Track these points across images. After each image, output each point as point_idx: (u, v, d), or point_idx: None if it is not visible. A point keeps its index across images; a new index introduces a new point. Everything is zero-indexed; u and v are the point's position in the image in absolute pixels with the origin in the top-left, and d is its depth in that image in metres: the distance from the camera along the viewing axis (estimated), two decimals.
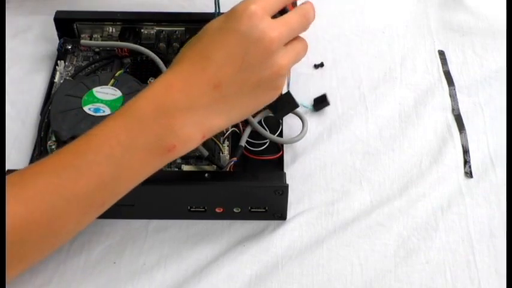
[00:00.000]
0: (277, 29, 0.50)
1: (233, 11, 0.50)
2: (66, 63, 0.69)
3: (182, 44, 0.67)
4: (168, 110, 0.48)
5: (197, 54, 0.50)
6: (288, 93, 0.57)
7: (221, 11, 0.65)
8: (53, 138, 0.60)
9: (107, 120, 0.49)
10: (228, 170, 0.58)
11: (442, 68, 0.72)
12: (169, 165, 0.59)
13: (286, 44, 0.51)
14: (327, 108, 0.68)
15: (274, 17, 0.51)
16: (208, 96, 0.49)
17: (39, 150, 0.61)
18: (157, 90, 0.49)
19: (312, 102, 0.67)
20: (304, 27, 0.53)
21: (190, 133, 0.49)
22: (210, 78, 0.49)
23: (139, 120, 0.48)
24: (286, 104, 0.57)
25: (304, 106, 0.66)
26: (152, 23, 0.70)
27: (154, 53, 0.66)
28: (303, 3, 0.54)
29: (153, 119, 0.48)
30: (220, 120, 0.51)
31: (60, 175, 0.47)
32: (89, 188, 0.47)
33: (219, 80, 0.49)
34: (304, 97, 0.67)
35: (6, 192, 0.45)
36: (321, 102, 0.67)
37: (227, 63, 0.49)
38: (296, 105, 0.58)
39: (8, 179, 0.47)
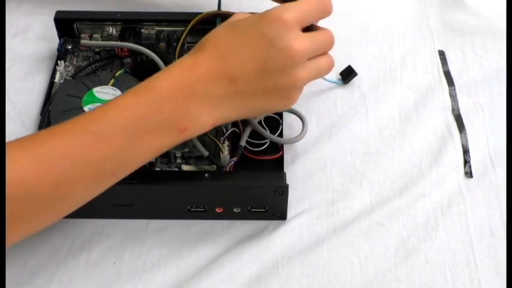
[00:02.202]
0: (303, 43, 0.51)
1: (267, 14, 0.51)
2: (66, 63, 0.69)
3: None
4: (187, 93, 0.50)
5: (222, 46, 0.51)
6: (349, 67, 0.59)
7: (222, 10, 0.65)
8: None
9: (124, 95, 0.50)
10: (228, 170, 0.58)
11: (442, 68, 0.72)
12: (169, 165, 0.59)
13: (310, 59, 0.53)
14: (327, 108, 0.68)
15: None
16: (224, 88, 0.51)
17: None
18: (178, 72, 0.51)
19: (339, 77, 0.68)
20: (328, 48, 0.55)
21: (203, 119, 0.51)
22: (229, 72, 0.51)
23: (158, 98, 0.49)
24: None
25: (333, 81, 0.67)
26: (152, 23, 0.70)
27: (154, 53, 0.66)
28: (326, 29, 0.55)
29: (172, 99, 0.49)
30: (229, 114, 0.53)
31: (74, 139, 0.47)
32: (101, 155, 0.48)
33: (237, 76, 0.51)
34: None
35: (15, 148, 0.45)
36: (348, 75, 0.68)
37: (248, 62, 0.51)
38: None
39: (20, 138, 0.47)
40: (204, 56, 0.51)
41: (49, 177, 0.46)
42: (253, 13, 0.54)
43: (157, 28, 0.70)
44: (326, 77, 0.62)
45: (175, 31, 0.70)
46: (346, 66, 0.69)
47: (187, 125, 0.50)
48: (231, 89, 0.51)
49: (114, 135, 0.48)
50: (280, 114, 0.64)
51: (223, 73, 0.50)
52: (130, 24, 0.70)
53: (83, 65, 0.69)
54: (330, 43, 0.54)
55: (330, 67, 0.55)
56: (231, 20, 0.54)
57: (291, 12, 0.51)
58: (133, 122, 0.49)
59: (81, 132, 0.48)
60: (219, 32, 0.53)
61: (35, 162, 0.45)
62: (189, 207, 0.58)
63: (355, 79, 0.70)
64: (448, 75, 0.71)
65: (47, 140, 0.47)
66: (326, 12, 0.54)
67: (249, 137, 0.61)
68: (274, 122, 0.63)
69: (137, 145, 0.49)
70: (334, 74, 0.69)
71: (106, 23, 0.70)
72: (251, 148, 0.61)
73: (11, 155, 0.45)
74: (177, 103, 0.50)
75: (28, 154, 0.46)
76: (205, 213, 0.59)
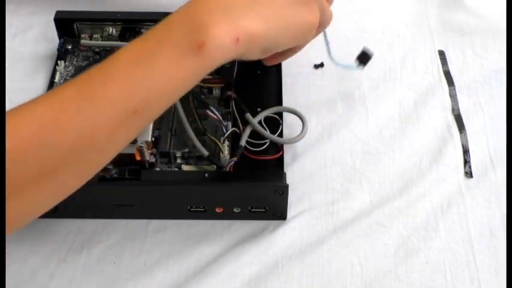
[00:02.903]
0: None
1: None
2: (66, 63, 0.69)
3: None
4: (199, 5, 0.46)
5: None
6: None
7: None
8: None
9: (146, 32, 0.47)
10: (228, 170, 0.58)
11: (442, 68, 0.72)
12: (169, 165, 0.59)
13: None
14: (327, 108, 0.68)
15: None
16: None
17: None
18: None
19: (357, 62, 0.67)
20: None
21: (222, 31, 0.45)
22: None
23: (169, 22, 0.46)
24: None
25: (352, 67, 0.66)
26: (152, 23, 0.70)
27: None
28: None
29: (182, 15, 0.46)
30: (256, 23, 0.47)
31: (90, 81, 0.44)
32: (120, 92, 0.44)
33: None
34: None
35: (32, 101, 0.43)
36: (364, 57, 0.67)
37: None
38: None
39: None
40: None
41: (70, 123, 0.42)
42: None
43: None
44: (344, 63, 0.61)
45: None
46: (361, 51, 0.67)
47: (203, 40, 0.45)
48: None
49: (128, 71, 0.44)
50: (280, 114, 0.64)
51: None
52: (130, 24, 0.70)
53: (83, 65, 0.69)
54: None
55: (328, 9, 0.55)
56: None
57: None
58: (145, 53, 0.45)
59: (94, 76, 0.44)
60: None
61: (55, 110, 0.42)
62: (189, 207, 0.58)
63: (355, 77, 0.70)
64: (448, 75, 0.71)
65: (65, 87, 0.44)
66: None
67: (249, 137, 0.61)
68: (274, 122, 0.63)
69: (155, 76, 0.45)
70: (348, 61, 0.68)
71: (106, 23, 0.71)
72: (251, 148, 0.61)
73: (32, 107, 0.42)
74: (189, 18, 0.46)
75: (46, 103, 0.43)
76: (205, 213, 0.59)
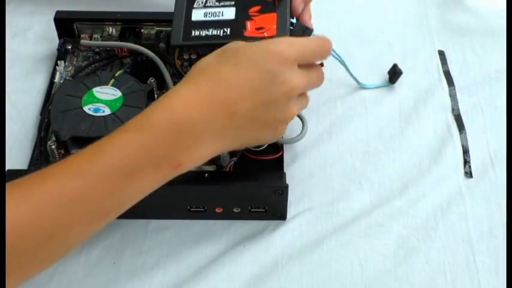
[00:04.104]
0: (300, 80, 0.52)
1: (271, 47, 0.51)
2: (66, 63, 0.69)
3: None
4: (184, 126, 0.48)
5: (221, 75, 0.50)
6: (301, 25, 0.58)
7: None
8: (53, 138, 0.60)
9: (119, 131, 0.49)
10: (228, 170, 0.58)
11: (442, 68, 0.72)
12: None
13: (300, 95, 0.53)
14: (327, 108, 0.68)
15: None
16: (222, 121, 0.49)
17: (39, 150, 0.61)
18: (174, 104, 0.49)
19: (387, 77, 0.69)
20: (317, 86, 0.56)
21: (201, 153, 0.50)
22: (228, 106, 0.49)
23: (154, 134, 0.48)
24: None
25: (381, 86, 0.69)
26: (152, 23, 0.70)
27: (154, 53, 0.66)
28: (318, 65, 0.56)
29: (168, 135, 0.48)
30: (226, 146, 0.52)
31: (67, 183, 0.46)
32: (95, 197, 0.47)
33: (235, 110, 0.50)
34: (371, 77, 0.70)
35: (8, 195, 0.45)
36: (394, 74, 0.69)
37: (248, 97, 0.50)
38: (311, 31, 0.58)
39: (13, 182, 0.46)
40: (200, 88, 0.50)
41: (43, 225, 0.45)
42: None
43: (157, 28, 0.70)
44: (372, 82, 0.65)
45: None
46: (392, 66, 0.69)
47: (183, 160, 0.49)
48: (229, 123, 0.50)
49: (108, 177, 0.47)
50: None
51: (222, 107, 0.49)
52: (130, 24, 0.70)
53: (83, 65, 0.69)
54: (321, 81, 0.56)
55: (306, 105, 0.56)
56: (227, 47, 0.52)
57: (294, 50, 0.51)
58: (128, 162, 0.47)
59: (74, 175, 0.46)
60: (215, 59, 0.51)
61: (28, 211, 0.45)
62: (189, 207, 0.58)
63: (351, 86, 0.70)
64: (448, 75, 0.71)
65: (40, 185, 0.46)
66: (326, 53, 0.54)
67: None
68: None
69: (132, 184, 0.48)
70: (382, 75, 0.70)
71: (106, 23, 0.71)
72: (251, 148, 0.61)
73: (6, 203, 0.44)
74: (174, 139, 0.48)
75: (21, 202, 0.45)
76: (205, 213, 0.59)
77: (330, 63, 0.70)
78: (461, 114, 0.67)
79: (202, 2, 0.61)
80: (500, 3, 0.76)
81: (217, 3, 0.61)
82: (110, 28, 0.71)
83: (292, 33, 0.58)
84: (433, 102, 0.69)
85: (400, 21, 0.77)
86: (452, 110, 0.68)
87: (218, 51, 0.52)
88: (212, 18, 0.60)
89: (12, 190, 0.45)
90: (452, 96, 0.69)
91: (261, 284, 0.55)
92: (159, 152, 0.48)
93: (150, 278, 0.56)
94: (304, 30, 0.58)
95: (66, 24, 0.70)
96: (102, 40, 0.70)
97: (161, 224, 0.59)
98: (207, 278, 0.55)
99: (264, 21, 0.58)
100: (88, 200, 0.47)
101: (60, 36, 0.71)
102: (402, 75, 0.70)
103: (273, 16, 0.58)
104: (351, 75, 0.68)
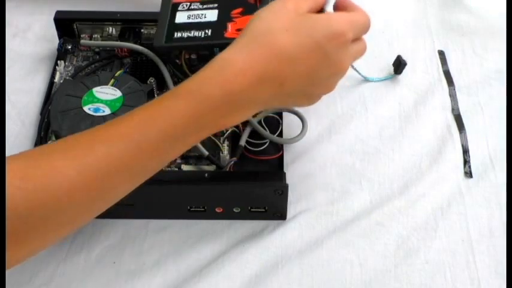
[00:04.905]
0: (349, 61, 0.52)
1: (330, 26, 0.50)
2: (66, 63, 0.69)
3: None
4: (235, 96, 0.48)
5: (276, 45, 0.49)
6: None
7: None
8: (53, 138, 0.60)
9: (168, 97, 0.49)
10: (228, 170, 0.58)
11: (442, 67, 0.72)
12: (169, 165, 0.59)
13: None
14: (327, 108, 0.68)
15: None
16: (271, 91, 0.50)
17: None
18: (227, 73, 0.49)
19: (392, 69, 0.70)
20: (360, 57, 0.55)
21: (245, 115, 0.51)
22: (280, 78, 0.49)
23: (206, 103, 0.48)
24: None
25: (386, 79, 0.69)
26: (152, 23, 0.70)
27: (154, 53, 0.66)
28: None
29: (219, 103, 0.48)
30: (267, 108, 0.57)
31: (119, 148, 0.46)
32: (143, 161, 0.48)
33: (286, 80, 0.50)
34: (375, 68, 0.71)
35: (55, 152, 0.45)
36: (399, 65, 0.69)
37: (300, 68, 0.50)
38: None
39: (59, 142, 0.48)
40: (256, 53, 0.49)
41: (94, 187, 0.46)
42: None
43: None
44: (380, 77, 0.65)
45: None
46: (395, 58, 0.70)
47: (228, 123, 0.51)
48: (277, 91, 0.50)
49: (158, 143, 0.47)
50: (280, 114, 0.64)
51: (274, 76, 0.49)
52: (130, 24, 0.70)
53: (83, 65, 0.69)
54: (363, 53, 0.55)
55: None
56: (287, 7, 0.51)
57: (352, 31, 0.51)
58: (179, 128, 0.48)
59: (126, 142, 0.47)
60: (275, 23, 0.50)
61: (82, 174, 0.45)
62: (189, 207, 0.59)
63: (355, 77, 0.70)
64: (447, 75, 0.71)
65: (89, 150, 0.46)
66: (368, 29, 0.55)
67: (249, 137, 0.61)
68: (274, 122, 0.63)
69: (178, 146, 0.49)
70: (387, 66, 0.71)
71: (106, 23, 0.71)
72: (251, 148, 0.61)
73: (55, 164, 0.44)
74: (224, 107, 0.49)
75: (74, 164, 0.45)
76: (205, 213, 0.59)
77: None
78: (461, 114, 0.68)
79: (186, 5, 0.62)
80: (500, 3, 0.76)
81: (200, 6, 0.62)
82: (110, 28, 0.71)
83: None
84: (433, 102, 0.69)
85: (400, 21, 0.77)
86: (452, 109, 0.68)
87: (277, 8, 0.51)
88: (195, 20, 0.60)
89: (61, 151, 0.46)
90: (452, 96, 0.69)
91: (261, 284, 0.55)
92: (208, 118, 0.49)
93: (150, 278, 0.56)
94: None
95: (66, 24, 0.70)
96: (102, 40, 0.70)
97: (161, 224, 0.59)
98: (207, 278, 0.55)
99: (245, 22, 0.58)
100: (136, 164, 0.47)
101: (60, 36, 0.71)
102: (402, 75, 0.71)
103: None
104: (354, 69, 0.68)
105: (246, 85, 0.48)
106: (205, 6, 0.61)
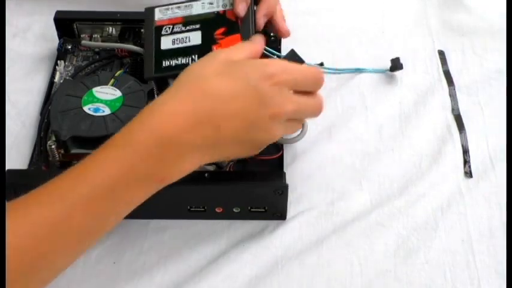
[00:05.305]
0: (290, 105, 0.51)
1: (266, 69, 0.50)
2: (66, 63, 0.69)
3: None
4: (169, 142, 0.48)
5: (209, 88, 0.49)
6: (292, 51, 0.58)
7: None
8: (53, 138, 0.60)
9: (102, 150, 0.48)
10: (228, 170, 0.58)
11: (442, 67, 0.72)
12: None
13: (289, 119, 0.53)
14: (327, 108, 0.67)
15: None
16: (207, 135, 0.49)
17: (39, 150, 0.62)
18: (158, 119, 0.48)
19: (389, 64, 0.70)
20: (310, 116, 0.55)
21: (186, 166, 0.49)
22: (215, 119, 0.49)
23: (138, 151, 0.47)
24: (292, 61, 0.58)
25: (381, 71, 0.70)
26: None
27: None
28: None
29: (153, 150, 0.47)
30: (209, 158, 0.51)
31: (51, 211, 0.45)
32: (81, 221, 0.46)
33: (221, 124, 0.49)
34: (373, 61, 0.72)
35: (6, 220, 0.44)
36: (396, 66, 0.70)
37: (235, 114, 0.49)
38: (302, 61, 0.58)
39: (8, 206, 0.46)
40: (189, 97, 0.49)
41: (30, 253, 0.44)
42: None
43: None
44: (372, 82, 0.66)
45: None
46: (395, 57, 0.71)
47: (166, 176, 0.49)
48: (215, 135, 0.49)
49: (92, 199, 0.46)
50: None
51: (208, 117, 0.48)
52: (130, 24, 0.70)
53: (82, 65, 0.69)
54: (317, 110, 0.55)
55: (296, 130, 0.56)
56: (219, 56, 0.52)
57: (288, 75, 0.51)
58: (112, 182, 0.46)
59: (58, 200, 0.45)
60: (205, 68, 0.51)
61: (15, 240, 0.43)
62: (189, 207, 0.58)
63: (355, 77, 0.70)
64: (447, 75, 0.71)
65: (24, 215, 0.45)
66: (318, 85, 0.54)
67: None
68: None
69: (117, 202, 0.48)
70: (387, 66, 0.71)
71: (106, 23, 0.71)
72: None
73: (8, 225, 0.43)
74: (159, 155, 0.47)
75: (13, 229, 0.44)
76: (205, 213, 0.59)
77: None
78: (461, 114, 0.67)
79: (169, 28, 0.63)
80: (500, 3, 0.76)
81: (183, 28, 0.62)
82: (110, 28, 0.71)
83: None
84: (433, 102, 0.69)
85: (400, 21, 0.77)
86: (452, 109, 0.68)
87: (208, 58, 0.52)
88: (180, 45, 0.62)
89: (8, 207, 0.45)
90: (452, 96, 0.69)
91: (261, 284, 0.55)
92: (143, 169, 0.47)
93: (150, 278, 0.56)
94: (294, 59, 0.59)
95: (66, 24, 0.70)
96: (102, 40, 0.71)
97: (161, 224, 0.59)
98: (207, 278, 0.55)
99: (229, 43, 0.60)
100: (73, 224, 0.46)
101: (60, 36, 0.71)
102: (402, 76, 0.71)
103: (237, 37, 0.60)
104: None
105: (178, 128, 0.47)
106: (187, 28, 0.62)
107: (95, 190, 0.46)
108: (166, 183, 0.50)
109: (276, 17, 0.63)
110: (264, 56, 0.59)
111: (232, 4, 0.62)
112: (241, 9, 0.60)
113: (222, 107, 0.49)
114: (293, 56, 0.58)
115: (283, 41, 0.69)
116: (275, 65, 0.51)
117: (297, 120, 0.55)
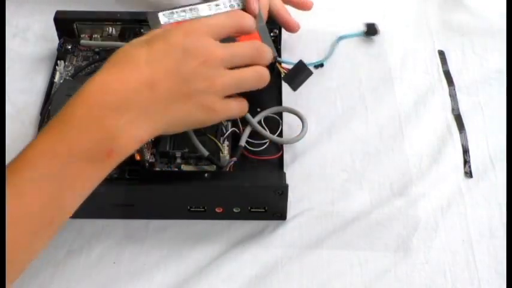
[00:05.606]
0: (217, 50, 0.52)
1: (180, 26, 0.52)
2: (66, 63, 0.69)
3: None
4: (101, 110, 0.47)
5: (136, 56, 0.50)
6: (301, 62, 0.58)
7: None
8: None
9: (42, 131, 0.47)
10: (228, 170, 0.58)
11: (442, 67, 0.72)
12: (169, 165, 0.59)
13: (231, 68, 0.53)
14: (327, 108, 0.68)
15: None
16: (142, 95, 0.49)
17: None
18: (91, 91, 0.48)
19: (365, 28, 0.72)
20: (248, 60, 0.54)
21: (126, 135, 0.48)
22: (146, 77, 0.49)
23: (74, 127, 0.47)
24: (300, 72, 0.58)
25: (356, 35, 0.71)
26: None
27: None
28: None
29: (87, 122, 0.47)
30: (158, 124, 0.50)
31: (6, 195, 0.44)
32: (32, 207, 0.45)
33: (154, 80, 0.49)
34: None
35: None
36: (372, 30, 0.72)
37: (164, 70, 0.50)
38: (310, 72, 0.58)
39: None
40: (117, 69, 0.49)
41: None
42: None
43: None
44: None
45: None
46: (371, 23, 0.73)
47: (111, 147, 0.47)
48: (150, 95, 0.49)
49: (38, 183, 0.45)
50: (280, 114, 0.64)
51: (140, 80, 0.49)
52: (130, 24, 0.70)
53: (82, 65, 0.69)
54: (251, 55, 0.54)
55: (255, 79, 0.55)
56: (143, 36, 0.53)
57: (200, 24, 0.53)
58: (55, 164, 0.46)
59: (9, 187, 0.44)
60: (130, 44, 0.52)
61: None
62: (189, 207, 0.58)
63: (355, 77, 0.70)
64: (447, 75, 0.71)
65: None
66: (240, 25, 0.54)
67: (248, 137, 0.61)
68: (274, 122, 0.63)
69: (67, 187, 0.47)
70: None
71: (106, 23, 0.70)
72: (251, 148, 0.61)
73: None
74: (94, 125, 0.47)
75: None
76: (205, 213, 0.59)
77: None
78: (461, 114, 0.68)
79: None
80: (500, 3, 0.76)
81: None
82: (110, 28, 0.70)
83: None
84: (433, 102, 0.69)
85: (400, 21, 0.77)
86: (452, 110, 0.68)
87: (135, 39, 0.53)
88: None
89: None
90: (452, 96, 0.69)
91: (261, 284, 0.55)
92: (83, 145, 0.47)
93: (150, 278, 0.56)
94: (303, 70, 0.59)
95: (66, 24, 0.70)
96: (102, 40, 0.70)
97: (161, 224, 0.59)
98: (207, 278, 0.55)
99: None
100: (26, 210, 0.45)
101: (60, 36, 0.71)
102: (402, 75, 0.71)
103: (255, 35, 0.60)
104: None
105: (109, 92, 0.48)
106: None
107: (36, 173, 0.45)
108: (119, 155, 0.49)
109: (281, 12, 0.62)
110: (274, 65, 0.60)
111: (239, 5, 0.62)
112: (256, 8, 0.61)
113: (150, 68, 0.49)
114: (302, 67, 0.58)
115: (283, 41, 0.69)
116: (192, 22, 0.53)
117: (245, 68, 0.54)
